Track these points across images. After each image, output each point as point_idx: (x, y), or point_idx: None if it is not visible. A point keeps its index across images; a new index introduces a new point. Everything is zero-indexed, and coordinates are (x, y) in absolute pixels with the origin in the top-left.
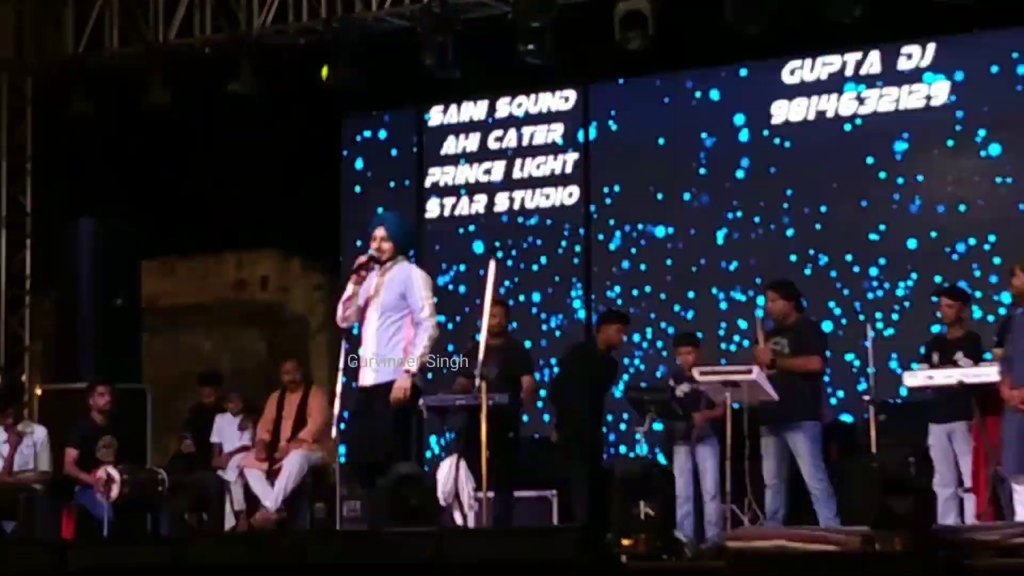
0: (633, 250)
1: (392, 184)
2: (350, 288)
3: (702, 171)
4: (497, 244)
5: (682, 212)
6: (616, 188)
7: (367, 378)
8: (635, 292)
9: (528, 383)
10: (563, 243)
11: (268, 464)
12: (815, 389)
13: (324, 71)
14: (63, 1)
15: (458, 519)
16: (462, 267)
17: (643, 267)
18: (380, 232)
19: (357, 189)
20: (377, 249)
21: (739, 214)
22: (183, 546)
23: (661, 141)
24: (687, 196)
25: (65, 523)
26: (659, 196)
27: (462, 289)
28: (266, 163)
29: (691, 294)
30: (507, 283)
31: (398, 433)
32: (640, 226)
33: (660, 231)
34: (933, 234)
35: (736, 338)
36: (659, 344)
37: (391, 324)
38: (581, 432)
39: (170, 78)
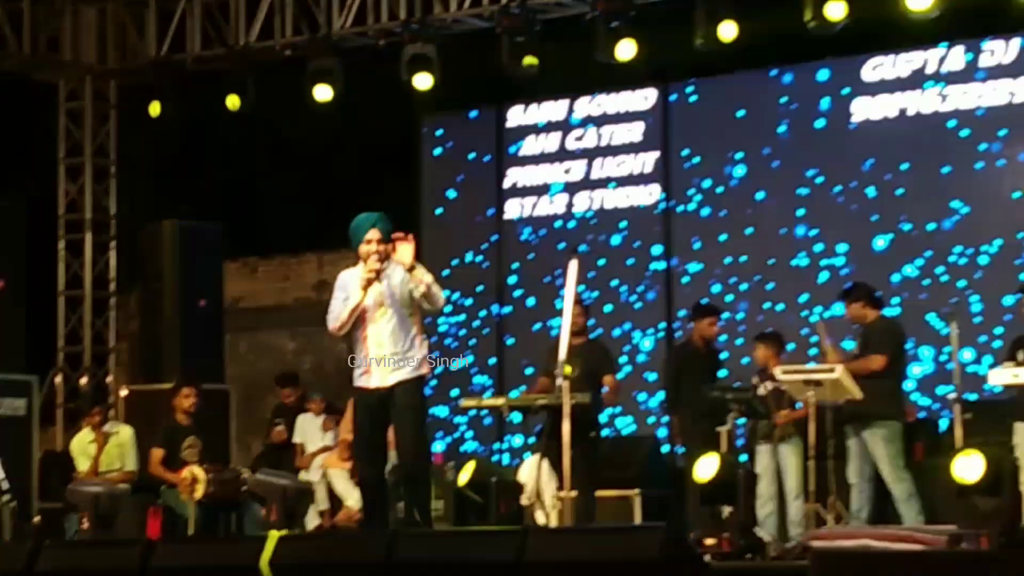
0: (712, 248)
1: (471, 184)
2: (359, 295)
3: (782, 169)
4: (578, 244)
5: (762, 211)
6: (696, 186)
7: (385, 378)
8: (714, 289)
9: (611, 382)
10: (643, 242)
11: (352, 464)
12: (892, 388)
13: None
14: (145, 5)
15: (540, 519)
16: (541, 267)
17: (722, 264)
18: (376, 235)
19: (436, 189)
20: (378, 253)
21: (820, 213)
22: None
23: (741, 140)
24: (766, 195)
25: (150, 522)
26: (739, 194)
27: (543, 289)
28: (346, 164)
29: (770, 290)
30: (587, 291)
31: (423, 434)
32: (720, 225)
33: (741, 229)
34: (1020, 234)
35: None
36: (738, 342)
37: (406, 320)
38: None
39: (251, 80)
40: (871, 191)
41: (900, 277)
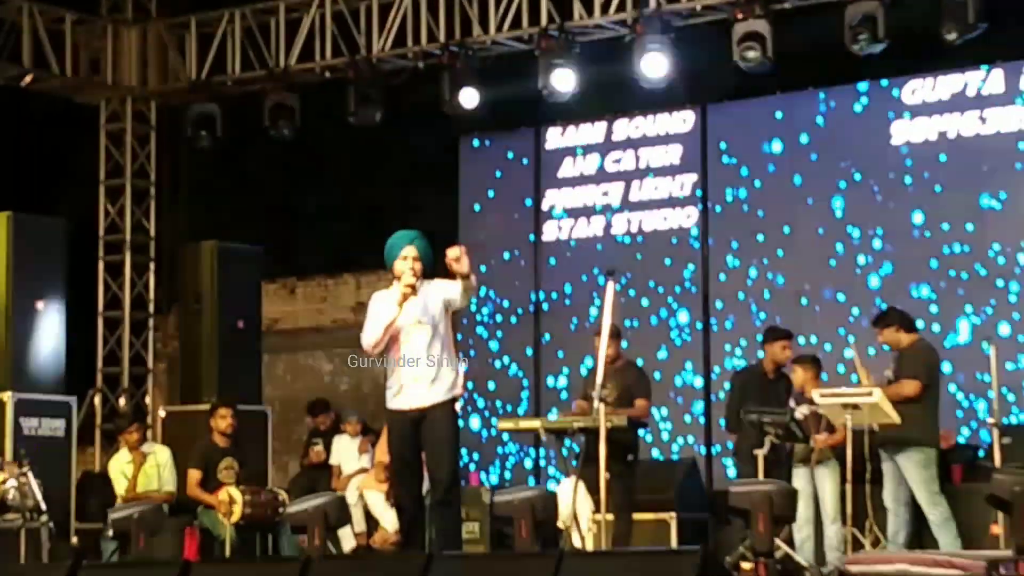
0: (750, 271)
1: (509, 206)
2: (395, 311)
3: (819, 191)
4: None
5: (800, 233)
6: (733, 209)
7: (419, 399)
8: (753, 312)
9: (641, 406)
10: (680, 264)
11: (388, 485)
12: (925, 413)
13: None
14: (186, 27)
15: (576, 541)
16: (579, 288)
17: (761, 288)
18: (412, 252)
19: (475, 210)
20: (412, 271)
21: (858, 234)
22: (305, 567)
23: (778, 162)
24: (805, 217)
25: (188, 543)
26: (777, 217)
27: (579, 310)
28: (385, 185)
29: (808, 316)
30: (623, 312)
31: (455, 457)
32: (758, 248)
33: (779, 252)
34: None
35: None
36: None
37: (441, 339)
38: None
39: (291, 102)
40: (912, 213)
41: (939, 298)
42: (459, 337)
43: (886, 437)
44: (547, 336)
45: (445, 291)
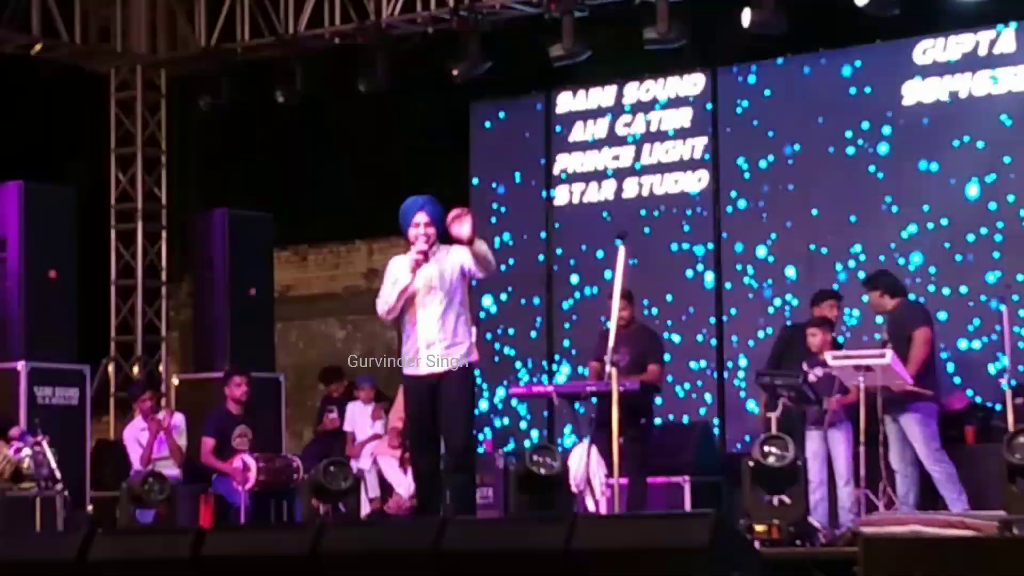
0: (762, 233)
1: (520, 171)
2: (408, 277)
3: (831, 153)
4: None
5: (812, 194)
6: (745, 171)
7: (434, 365)
8: (765, 274)
9: (654, 371)
10: (692, 227)
11: (402, 451)
12: (928, 369)
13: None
14: None
15: (590, 505)
16: (591, 253)
17: (773, 251)
18: (424, 218)
19: (486, 175)
20: (426, 236)
21: (871, 195)
22: (319, 533)
23: (789, 123)
24: (816, 178)
25: (203, 511)
26: (789, 179)
27: (591, 275)
28: (396, 151)
29: (822, 278)
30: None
31: (469, 424)
32: (770, 210)
33: (791, 213)
34: None
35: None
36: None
37: (455, 305)
38: None
39: (301, 68)
40: (922, 173)
41: (947, 259)
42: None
43: (887, 399)
44: (559, 300)
45: (463, 258)
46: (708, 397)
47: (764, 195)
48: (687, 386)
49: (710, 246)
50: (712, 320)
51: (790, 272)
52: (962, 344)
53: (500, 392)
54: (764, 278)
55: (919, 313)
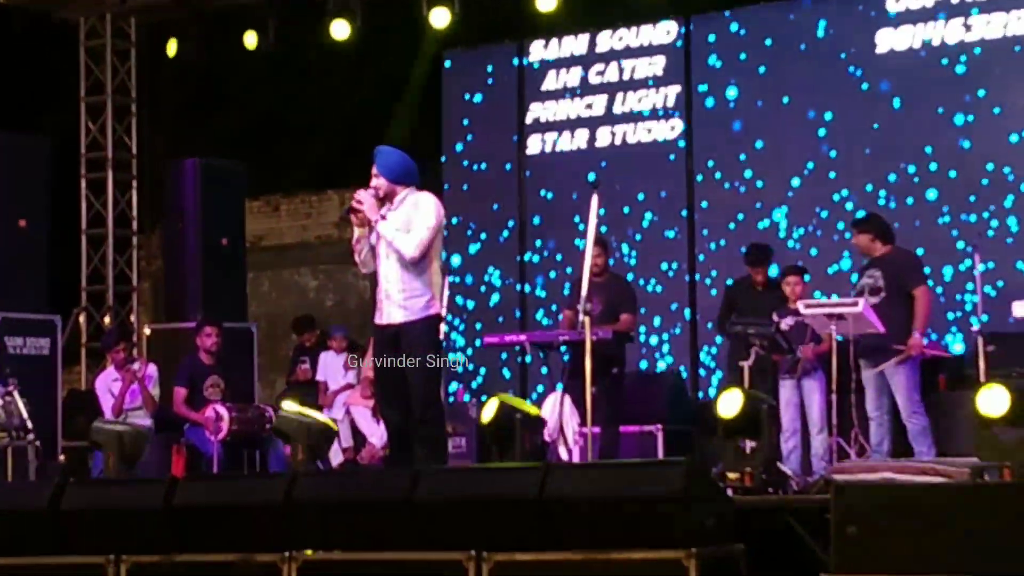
0: (737, 185)
1: (492, 120)
2: (356, 231)
3: (804, 101)
4: (599, 178)
5: (786, 146)
6: (717, 121)
7: (392, 315)
8: (736, 225)
9: (628, 320)
10: (664, 176)
11: (375, 401)
12: (908, 319)
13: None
14: None
15: (563, 454)
16: (564, 202)
17: (745, 200)
18: (374, 168)
19: (459, 125)
20: (374, 188)
21: (843, 147)
22: (292, 482)
23: (764, 71)
24: (789, 128)
25: (175, 460)
26: (761, 128)
27: (564, 224)
28: (368, 101)
29: (798, 228)
30: (607, 227)
31: (431, 375)
32: (744, 159)
33: (765, 164)
34: None
35: (843, 267)
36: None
37: (412, 261)
38: None
39: (272, 18)
40: (895, 123)
41: (921, 209)
42: (444, 255)
43: (869, 345)
44: (532, 249)
45: (411, 222)
46: (681, 345)
47: (736, 143)
48: (656, 336)
49: (679, 197)
50: (685, 269)
51: (764, 222)
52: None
53: (474, 341)
54: (735, 225)
55: (919, 268)
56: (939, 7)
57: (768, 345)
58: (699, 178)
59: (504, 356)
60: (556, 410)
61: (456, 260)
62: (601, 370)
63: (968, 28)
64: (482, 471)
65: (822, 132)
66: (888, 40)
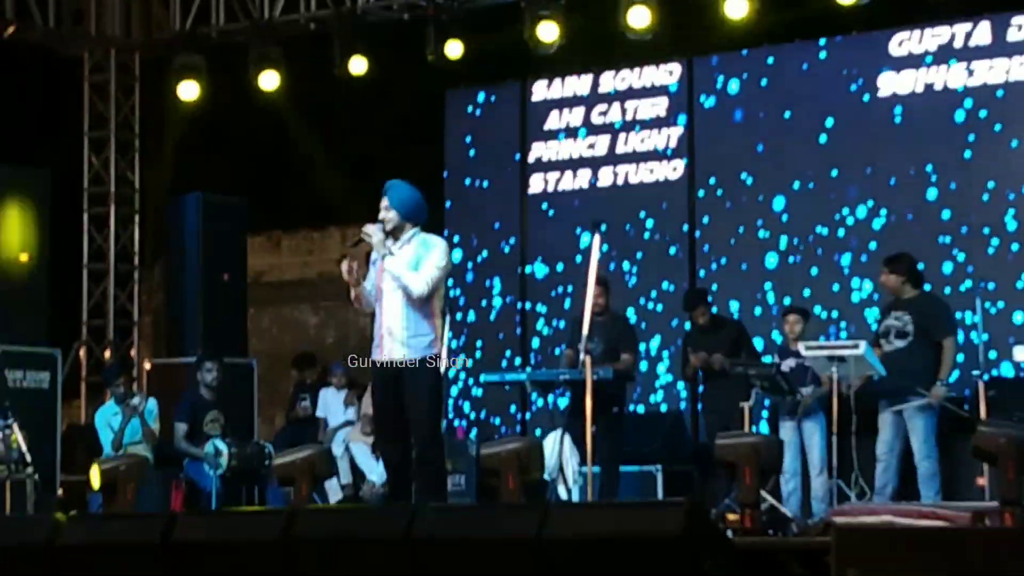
0: (737, 225)
1: (495, 158)
2: (352, 290)
3: (809, 143)
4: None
5: (789, 185)
6: (720, 162)
7: (395, 353)
8: (740, 264)
9: (627, 360)
10: (667, 218)
11: (373, 438)
12: (936, 364)
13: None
14: None
15: (563, 493)
16: (566, 242)
17: (747, 241)
18: (384, 202)
19: (461, 163)
20: (382, 219)
21: (848, 187)
22: (290, 519)
23: (765, 114)
24: (794, 169)
25: (174, 496)
26: (764, 170)
27: (564, 265)
28: (370, 138)
29: (798, 266)
30: (611, 264)
31: (433, 413)
32: (745, 200)
33: (767, 205)
34: None
35: (835, 314)
36: (759, 323)
37: (416, 301)
38: None
39: (275, 54)
40: (898, 166)
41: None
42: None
43: (891, 386)
44: (532, 288)
45: (421, 261)
46: (681, 386)
47: (739, 185)
48: (668, 378)
49: (681, 237)
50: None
51: (768, 262)
52: None
53: (473, 380)
54: (738, 265)
55: (951, 319)
56: (942, 51)
57: (769, 386)
58: (700, 222)
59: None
60: (556, 449)
61: (456, 297)
62: (601, 409)
63: (971, 73)
64: (481, 510)
65: (827, 175)
66: (891, 84)
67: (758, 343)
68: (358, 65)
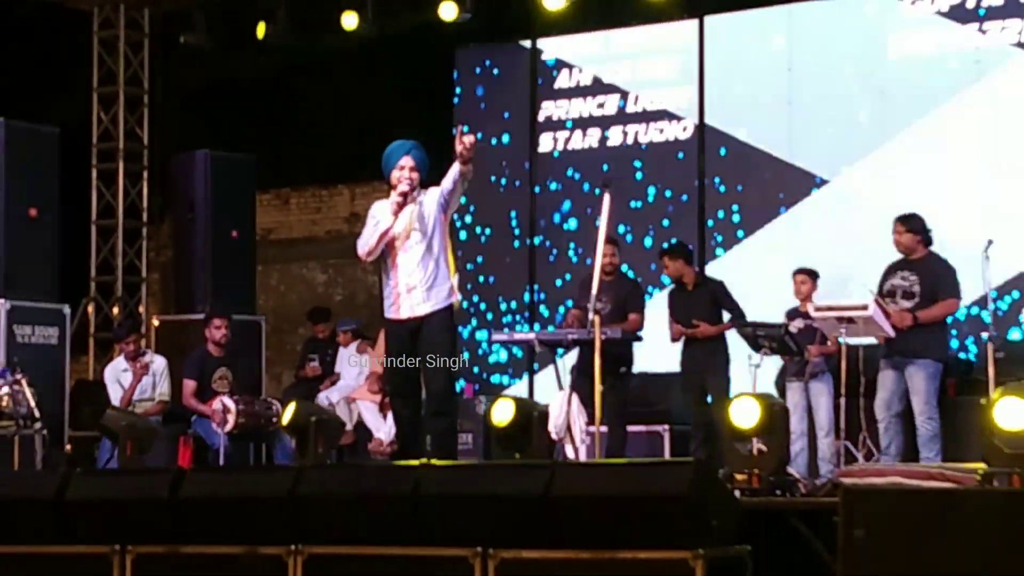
0: (747, 184)
1: (505, 118)
2: (390, 219)
3: (820, 102)
4: (611, 178)
5: (799, 146)
6: (730, 122)
7: (415, 308)
8: (747, 225)
9: (635, 320)
10: (676, 177)
11: (382, 396)
12: (943, 327)
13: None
14: None
15: (570, 453)
16: (574, 202)
17: (757, 201)
18: (410, 162)
19: (469, 124)
20: (409, 180)
21: (858, 147)
22: (298, 476)
23: (776, 73)
24: (804, 129)
25: (182, 452)
26: (776, 130)
27: (574, 224)
28: (380, 96)
29: (810, 229)
30: (620, 225)
31: (451, 367)
32: (755, 159)
33: (777, 164)
34: None
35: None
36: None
37: (435, 247)
38: None
39: (284, 9)
40: (907, 126)
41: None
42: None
43: (900, 347)
44: (542, 247)
45: (440, 192)
46: None
47: (748, 146)
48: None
49: (691, 197)
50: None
51: (778, 223)
52: None
53: (481, 337)
54: (746, 226)
55: (954, 282)
56: (955, 11)
57: (777, 347)
58: (710, 182)
59: (511, 352)
60: (564, 409)
61: (465, 255)
62: (609, 369)
63: (983, 32)
64: (489, 468)
65: (836, 132)
66: (901, 43)
67: (767, 304)
68: (353, 21)
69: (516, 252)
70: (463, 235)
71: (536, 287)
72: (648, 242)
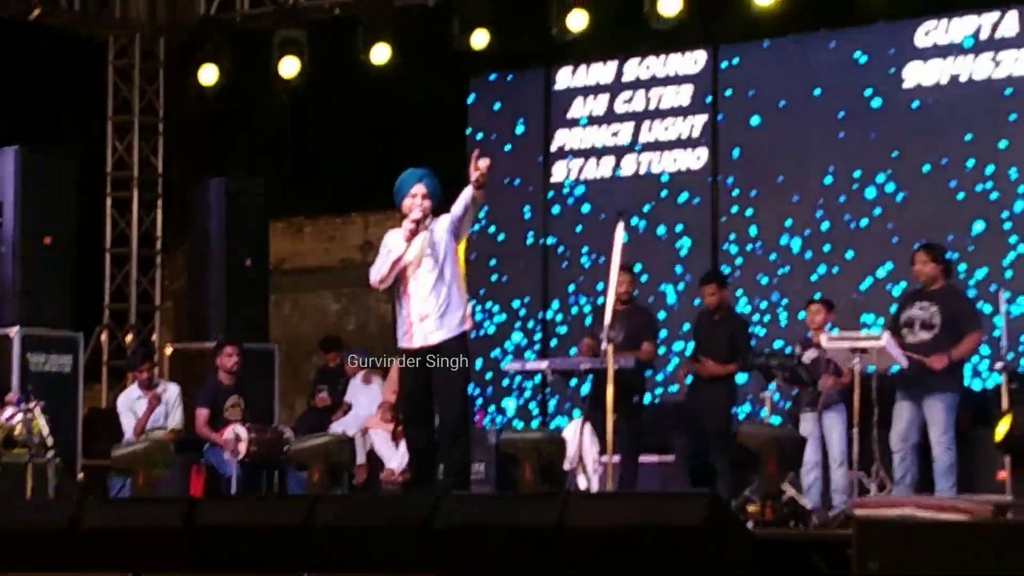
0: (760, 213)
1: (519, 146)
2: (402, 247)
3: (833, 134)
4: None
5: (812, 176)
6: (745, 151)
7: (428, 337)
8: (761, 254)
9: (648, 349)
10: (690, 206)
11: (394, 425)
12: (960, 360)
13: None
14: None
15: (582, 483)
16: (588, 231)
17: (770, 231)
18: (422, 190)
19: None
20: (421, 208)
21: (872, 178)
22: (312, 505)
23: (790, 104)
24: (817, 160)
25: (194, 481)
26: (788, 159)
27: (587, 253)
28: (394, 124)
29: (823, 254)
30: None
31: (464, 397)
32: (769, 190)
33: (790, 194)
34: None
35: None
36: (782, 313)
37: (447, 277)
38: None
39: (300, 39)
40: (923, 158)
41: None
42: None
43: (916, 378)
44: (554, 276)
45: (451, 219)
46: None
47: (762, 175)
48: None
49: (705, 227)
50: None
51: (792, 251)
52: None
53: (493, 367)
54: (760, 255)
55: (976, 314)
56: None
57: (790, 377)
58: (724, 211)
59: (524, 383)
60: (576, 438)
61: (478, 285)
62: (622, 398)
63: (997, 63)
64: (502, 499)
65: (849, 164)
66: (916, 74)
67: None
68: (381, 53)
69: (528, 280)
70: (475, 256)
71: (548, 316)
72: (661, 271)
